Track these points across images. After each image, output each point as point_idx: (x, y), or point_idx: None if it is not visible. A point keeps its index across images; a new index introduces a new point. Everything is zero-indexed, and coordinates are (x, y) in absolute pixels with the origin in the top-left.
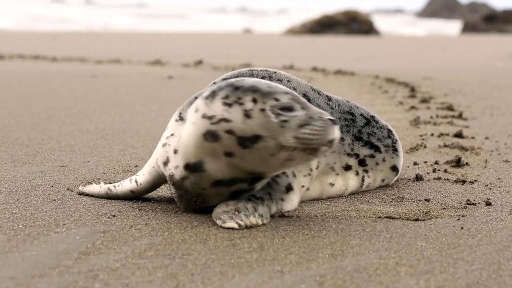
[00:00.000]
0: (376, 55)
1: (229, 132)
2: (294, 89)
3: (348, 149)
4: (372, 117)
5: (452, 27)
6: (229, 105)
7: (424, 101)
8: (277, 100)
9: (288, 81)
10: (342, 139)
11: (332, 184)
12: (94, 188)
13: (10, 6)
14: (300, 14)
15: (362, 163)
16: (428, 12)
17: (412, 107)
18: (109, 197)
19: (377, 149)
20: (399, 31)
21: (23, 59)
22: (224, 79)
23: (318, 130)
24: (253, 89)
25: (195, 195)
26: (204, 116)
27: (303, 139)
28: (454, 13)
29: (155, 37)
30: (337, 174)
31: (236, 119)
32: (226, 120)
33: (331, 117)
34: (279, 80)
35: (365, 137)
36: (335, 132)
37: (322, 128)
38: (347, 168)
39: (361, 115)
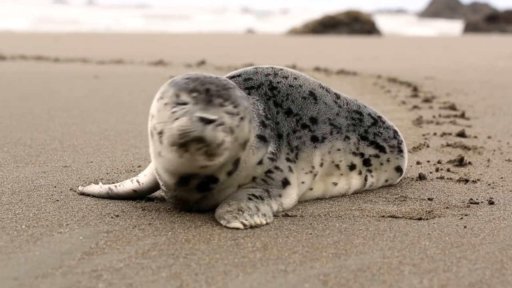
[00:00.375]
0: (378, 55)
1: (154, 128)
2: (301, 86)
3: (353, 148)
4: (379, 117)
5: (454, 27)
6: (156, 100)
7: (427, 100)
8: (177, 96)
9: (295, 78)
10: (348, 137)
11: (335, 184)
12: (94, 188)
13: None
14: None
15: (366, 162)
16: (430, 12)
17: (415, 107)
18: (110, 196)
19: (382, 149)
20: (401, 31)
21: (25, 60)
22: (229, 78)
23: (183, 125)
24: (172, 85)
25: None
26: (150, 115)
27: (173, 133)
28: (456, 13)
29: (158, 38)
30: (342, 173)
31: (155, 114)
32: (152, 115)
33: (205, 116)
34: (285, 77)
35: (371, 137)
36: (201, 130)
37: (185, 124)
38: (352, 167)
39: (369, 114)
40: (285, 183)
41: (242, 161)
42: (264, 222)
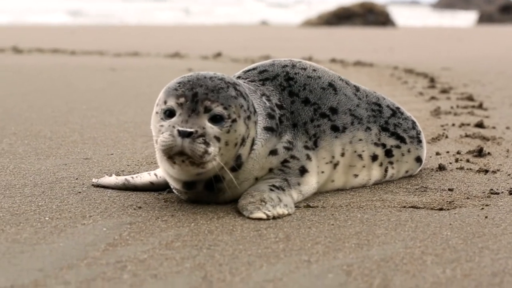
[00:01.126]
0: (393, 46)
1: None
2: (319, 77)
3: (375, 139)
4: (398, 108)
5: (468, 18)
6: (155, 106)
7: (444, 91)
8: (165, 103)
9: (314, 69)
10: (369, 128)
11: (356, 175)
12: (110, 180)
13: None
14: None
15: (388, 153)
16: (444, 3)
17: (432, 98)
18: (127, 187)
19: (402, 140)
20: (415, 23)
21: (41, 53)
22: (245, 72)
23: (164, 140)
24: (164, 90)
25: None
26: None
27: (159, 147)
28: (470, 4)
29: (172, 30)
30: (364, 164)
31: (151, 121)
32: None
33: (183, 129)
34: (303, 68)
35: (392, 128)
36: (180, 145)
37: (167, 139)
38: (374, 157)
39: (388, 106)
40: (303, 171)
41: (246, 156)
42: (286, 212)
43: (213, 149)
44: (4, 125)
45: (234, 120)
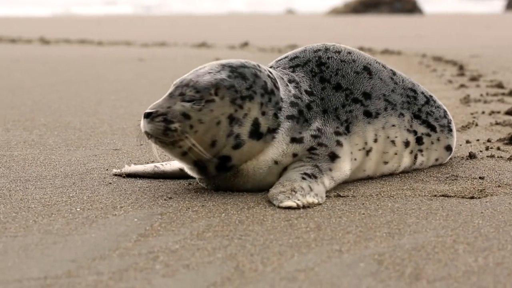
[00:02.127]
0: (421, 34)
1: None
2: (354, 61)
3: (408, 125)
4: (431, 96)
5: (496, 4)
6: None
7: (473, 79)
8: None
9: (349, 52)
10: (402, 114)
11: (386, 162)
12: (137, 168)
13: None
14: None
15: (419, 141)
16: None
17: (462, 85)
18: (156, 173)
19: (433, 128)
20: (443, 9)
21: (69, 44)
22: (278, 61)
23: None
24: None
25: None
26: None
27: None
28: None
29: (198, 20)
30: (397, 150)
31: None
32: None
33: (148, 110)
34: (337, 52)
35: (424, 115)
36: (143, 126)
37: (139, 122)
38: (407, 144)
39: (422, 93)
40: (333, 156)
41: (247, 136)
42: (316, 201)
43: (177, 125)
44: (34, 116)
45: (209, 100)
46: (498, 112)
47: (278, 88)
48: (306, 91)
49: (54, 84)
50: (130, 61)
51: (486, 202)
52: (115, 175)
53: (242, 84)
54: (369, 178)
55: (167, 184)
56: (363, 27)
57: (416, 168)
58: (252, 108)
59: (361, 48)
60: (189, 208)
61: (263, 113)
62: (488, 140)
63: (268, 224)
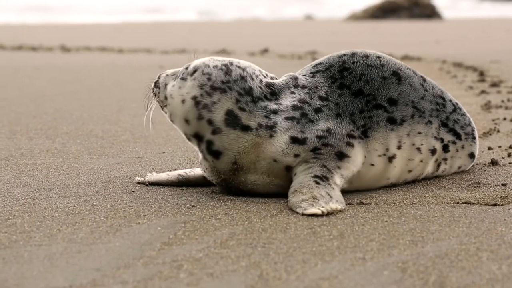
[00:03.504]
0: (441, 40)
1: None
2: (383, 66)
3: (435, 133)
4: (457, 103)
5: None
6: None
7: (494, 85)
8: None
9: (378, 57)
10: (430, 122)
11: (410, 171)
12: (161, 176)
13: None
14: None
15: (445, 148)
16: None
17: (482, 92)
18: (180, 181)
19: (458, 136)
20: (462, 15)
21: (89, 51)
22: (304, 68)
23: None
24: None
25: None
26: None
27: None
28: None
29: (218, 26)
30: (422, 158)
31: None
32: None
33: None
34: (366, 56)
35: (451, 124)
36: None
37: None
38: (433, 151)
39: (450, 100)
40: (341, 155)
41: (223, 123)
42: (340, 207)
43: (156, 91)
44: (56, 124)
45: (183, 78)
46: None
47: (269, 99)
48: (320, 96)
49: (76, 92)
50: (150, 68)
51: (509, 209)
52: (138, 183)
53: (220, 77)
54: (392, 185)
55: (190, 192)
56: (382, 33)
57: (438, 175)
58: (223, 100)
59: None
60: (212, 216)
61: (242, 109)
62: (510, 147)
63: (291, 232)
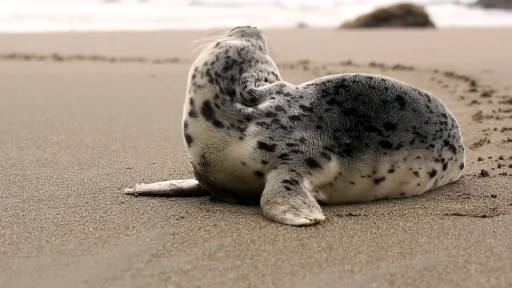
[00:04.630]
0: (433, 49)
1: None
2: (386, 89)
3: (436, 155)
4: (450, 114)
5: (509, 17)
6: None
7: (485, 95)
8: None
9: (383, 80)
10: (432, 146)
11: (403, 193)
12: (153, 186)
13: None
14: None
15: (445, 167)
16: (484, 3)
17: (474, 102)
18: (172, 191)
19: (454, 151)
20: (455, 23)
21: (82, 60)
22: (314, 81)
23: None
24: None
25: None
26: None
27: None
28: (510, 3)
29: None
30: (420, 181)
31: None
32: None
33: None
34: (369, 78)
35: (451, 140)
36: None
37: None
38: (433, 174)
39: (450, 115)
40: (312, 163)
41: (199, 110)
42: (323, 218)
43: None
44: (47, 134)
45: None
46: (511, 129)
47: (247, 106)
48: (302, 106)
49: (68, 102)
50: (142, 77)
51: (498, 221)
52: (128, 194)
53: (219, 67)
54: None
55: (179, 204)
56: (375, 41)
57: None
58: (206, 88)
59: (373, 64)
60: (201, 228)
61: (216, 105)
62: (501, 158)
63: (280, 244)
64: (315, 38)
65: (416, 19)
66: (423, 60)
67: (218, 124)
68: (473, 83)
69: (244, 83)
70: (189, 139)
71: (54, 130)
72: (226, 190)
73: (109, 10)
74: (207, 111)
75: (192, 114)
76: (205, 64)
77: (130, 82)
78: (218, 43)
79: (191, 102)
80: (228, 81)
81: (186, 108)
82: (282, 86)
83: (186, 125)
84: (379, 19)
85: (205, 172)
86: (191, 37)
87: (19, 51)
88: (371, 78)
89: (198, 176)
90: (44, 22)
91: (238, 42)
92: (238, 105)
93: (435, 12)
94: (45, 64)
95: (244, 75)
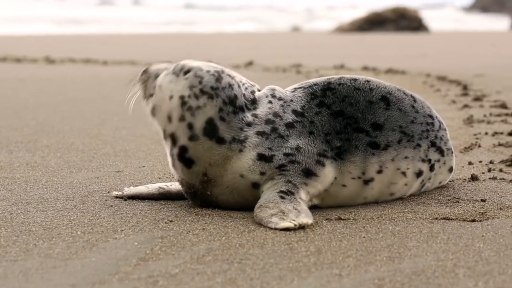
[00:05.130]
0: (426, 53)
1: None
2: (371, 90)
3: (423, 155)
4: (436, 116)
5: (502, 22)
6: None
7: (477, 99)
8: None
9: (367, 81)
10: (419, 145)
11: (392, 193)
12: (141, 189)
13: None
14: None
15: (431, 168)
16: (478, 7)
17: (465, 106)
18: (160, 194)
19: (442, 153)
20: (448, 27)
21: (74, 63)
22: (300, 84)
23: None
24: None
25: None
26: None
27: None
28: (504, 7)
29: (203, 38)
30: (407, 181)
31: None
32: None
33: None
34: (353, 80)
35: (438, 142)
36: None
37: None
38: (419, 174)
39: (436, 117)
40: (308, 173)
41: (200, 130)
42: (310, 222)
43: (144, 77)
44: (37, 137)
45: (175, 73)
46: (501, 133)
47: (249, 109)
48: (294, 110)
49: (59, 105)
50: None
51: (487, 225)
52: (116, 197)
53: (210, 82)
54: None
55: (168, 207)
56: (368, 45)
57: (420, 192)
58: (208, 106)
59: (366, 67)
60: (189, 232)
61: (222, 119)
62: (491, 162)
63: (269, 248)
64: (308, 41)
65: (409, 23)
66: (416, 64)
67: (220, 140)
68: (465, 87)
69: (243, 85)
70: (189, 162)
71: (44, 133)
72: (219, 203)
73: (102, 13)
74: (211, 129)
75: (192, 138)
76: (191, 87)
77: (122, 85)
78: (181, 69)
79: (190, 127)
80: (227, 89)
81: (180, 134)
82: (273, 90)
83: (184, 150)
84: (373, 23)
85: (204, 188)
86: (185, 41)
87: (11, 53)
88: (355, 80)
89: (192, 194)
90: (36, 25)
91: (194, 63)
92: (241, 114)
93: (428, 16)
94: (37, 66)
95: (237, 79)
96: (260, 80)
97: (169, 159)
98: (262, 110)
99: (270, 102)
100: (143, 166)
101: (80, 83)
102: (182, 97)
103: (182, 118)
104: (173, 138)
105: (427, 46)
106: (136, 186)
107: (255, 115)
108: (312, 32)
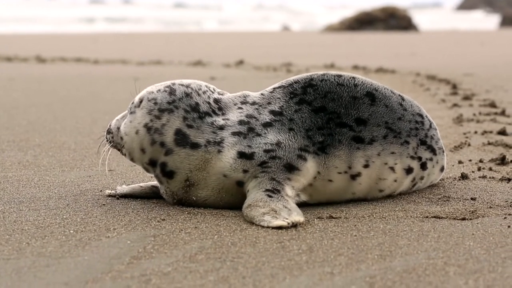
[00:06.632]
0: (416, 52)
1: None
2: (356, 86)
3: (412, 152)
4: (426, 116)
5: (491, 21)
6: None
7: (466, 98)
8: None
9: (352, 77)
10: (406, 142)
11: (381, 190)
12: (134, 188)
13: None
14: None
15: (423, 166)
16: (467, 6)
17: (455, 105)
18: (154, 193)
19: (434, 152)
20: (438, 26)
21: (65, 62)
22: (281, 83)
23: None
24: None
25: None
26: None
27: None
28: (493, 6)
29: (194, 37)
30: (396, 177)
31: None
32: None
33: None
34: (338, 76)
35: (429, 140)
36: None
37: None
38: (409, 170)
39: (426, 116)
40: (290, 168)
41: (172, 143)
42: (302, 220)
43: (109, 136)
44: (29, 136)
45: (132, 112)
46: (491, 132)
47: (217, 114)
48: (272, 111)
49: (50, 104)
50: (125, 79)
51: (478, 223)
52: (109, 196)
53: (165, 98)
54: (361, 200)
55: (161, 206)
56: (358, 44)
57: (411, 191)
58: (172, 120)
59: (356, 67)
60: (182, 230)
61: (189, 126)
62: (480, 161)
63: (261, 246)
64: (298, 41)
65: (399, 22)
66: (406, 63)
67: (195, 146)
68: (454, 86)
69: (204, 93)
70: (170, 174)
71: (36, 132)
72: (209, 207)
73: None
74: (182, 138)
75: (167, 152)
76: (150, 112)
77: (113, 84)
78: (134, 104)
79: (162, 145)
80: (185, 99)
81: (157, 155)
82: (245, 96)
83: (165, 166)
84: (362, 22)
85: (187, 193)
86: (174, 39)
87: (1, 52)
88: (340, 76)
89: (176, 200)
90: (27, 24)
91: (143, 91)
92: (209, 118)
93: (418, 15)
94: (27, 65)
95: (192, 86)
96: (252, 79)
97: (157, 181)
98: (233, 114)
99: (240, 108)
100: (135, 165)
101: (71, 82)
102: (146, 125)
103: (153, 142)
104: (152, 162)
105: (416, 45)
106: (129, 184)
107: (226, 119)
108: (302, 31)
